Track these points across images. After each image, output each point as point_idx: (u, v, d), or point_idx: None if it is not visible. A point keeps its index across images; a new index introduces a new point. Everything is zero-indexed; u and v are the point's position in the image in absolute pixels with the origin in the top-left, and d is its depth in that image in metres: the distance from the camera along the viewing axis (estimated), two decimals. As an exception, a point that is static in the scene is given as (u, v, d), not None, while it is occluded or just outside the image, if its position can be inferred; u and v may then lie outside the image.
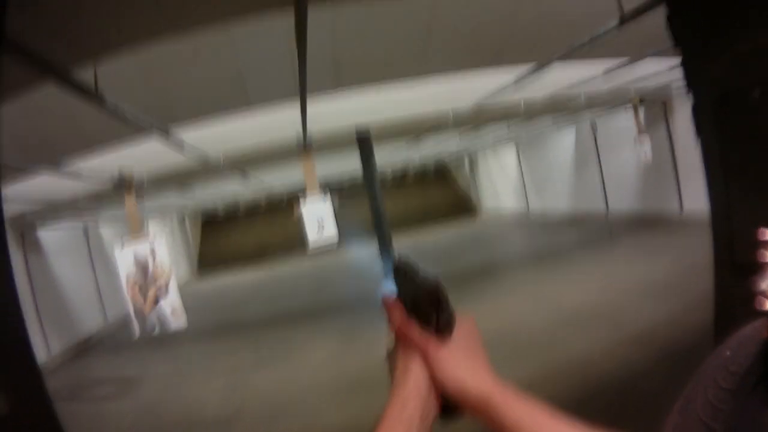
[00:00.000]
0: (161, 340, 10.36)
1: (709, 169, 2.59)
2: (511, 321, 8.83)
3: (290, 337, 11.00)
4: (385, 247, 10.32)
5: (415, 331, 0.95)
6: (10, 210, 8.42)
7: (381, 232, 10.35)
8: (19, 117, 3.90)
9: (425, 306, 0.95)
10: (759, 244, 0.75)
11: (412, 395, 0.89)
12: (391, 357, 1.00)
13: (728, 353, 0.78)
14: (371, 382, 7.12)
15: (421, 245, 22.16)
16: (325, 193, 7.60)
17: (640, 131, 11.55)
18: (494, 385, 0.89)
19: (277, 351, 10.07)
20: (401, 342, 0.97)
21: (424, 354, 0.93)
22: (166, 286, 6.08)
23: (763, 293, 0.71)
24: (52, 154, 5.68)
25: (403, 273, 1.07)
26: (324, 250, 12.16)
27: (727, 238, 2.53)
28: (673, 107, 13.78)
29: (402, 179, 30.02)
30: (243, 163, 9.13)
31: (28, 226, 11.68)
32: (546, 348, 7.32)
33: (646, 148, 11.69)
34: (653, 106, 14.04)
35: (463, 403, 0.90)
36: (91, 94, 3.32)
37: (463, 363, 0.92)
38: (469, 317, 1.01)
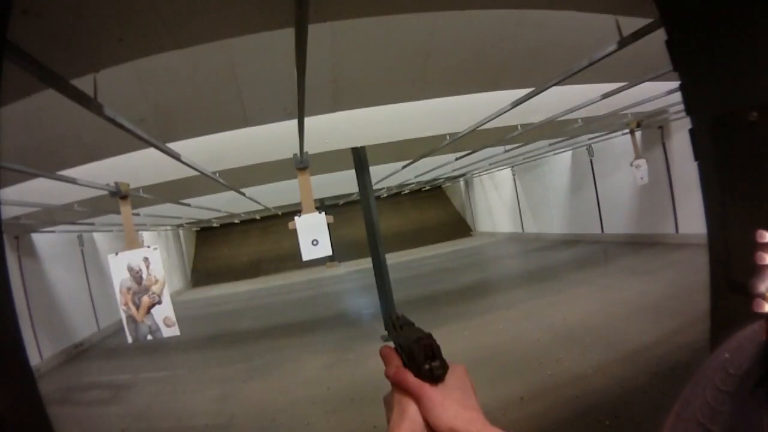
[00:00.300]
0: (154, 347, 10.37)
1: (706, 191, 2.61)
2: (504, 338, 8.84)
3: (283, 348, 10.98)
4: (379, 263, 10.34)
5: (411, 378, 0.99)
6: (5, 213, 8.41)
7: (375, 248, 10.37)
8: (17, 121, 3.92)
9: (419, 355, 1.00)
10: (758, 246, 0.76)
11: None
12: (388, 402, 1.05)
13: (727, 355, 0.79)
14: (363, 395, 7.14)
15: (416, 263, 22.16)
16: (320, 210, 7.59)
17: (637, 155, 11.57)
18: (485, 428, 0.91)
19: (270, 362, 10.06)
20: (397, 388, 1.02)
21: (419, 398, 0.97)
22: (160, 294, 6.08)
23: (762, 295, 0.73)
24: (49, 160, 5.69)
25: (398, 326, 1.14)
26: (318, 263, 12.19)
27: (724, 258, 2.55)
28: (670, 131, 13.85)
29: (397, 199, 30.05)
30: (239, 179, 9.15)
31: (23, 229, 11.66)
32: (539, 365, 7.33)
33: (642, 172, 11.70)
34: (650, 130, 14.10)
35: None
36: (90, 103, 3.34)
37: (455, 406, 0.95)
38: (460, 365, 1.05)
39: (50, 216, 10.17)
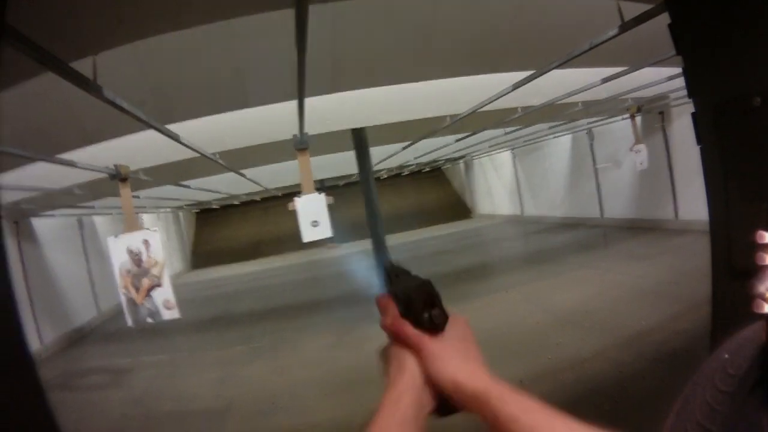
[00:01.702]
0: (154, 330, 10.36)
1: (708, 175, 2.60)
2: (504, 321, 8.84)
3: (283, 330, 11.00)
4: (379, 244, 10.34)
5: (409, 329, 0.96)
6: (4, 198, 8.40)
7: (375, 229, 10.37)
8: (16, 105, 3.90)
9: (418, 303, 0.96)
10: (758, 247, 0.75)
11: (407, 391, 0.91)
12: (385, 354, 1.01)
13: (726, 356, 0.78)
14: (363, 376, 7.14)
15: (415, 245, 22.14)
16: (320, 191, 7.59)
17: (637, 140, 11.54)
18: (488, 381, 0.89)
19: (270, 344, 10.08)
20: (395, 339, 0.99)
21: (418, 350, 0.94)
22: (160, 277, 6.07)
23: (762, 296, 0.72)
24: (48, 143, 5.68)
25: (395, 274, 1.10)
26: (318, 244, 12.16)
27: (726, 243, 2.54)
28: (670, 116, 13.81)
29: (397, 180, 30.01)
30: (239, 160, 9.13)
31: (22, 214, 11.64)
32: (538, 348, 7.33)
33: (642, 157, 11.68)
34: (651, 115, 14.07)
35: (458, 399, 0.90)
36: (90, 85, 3.32)
37: (457, 359, 0.93)
38: (461, 316, 1.02)
39: (50, 200, 10.14)
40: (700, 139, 2.60)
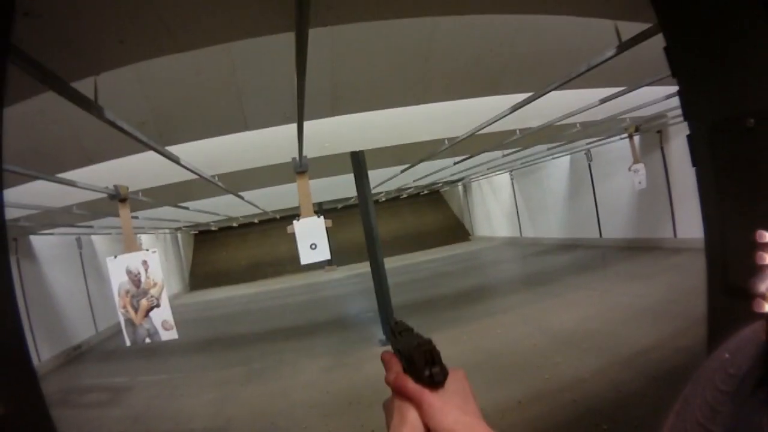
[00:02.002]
0: (152, 351, 10.36)
1: (704, 195, 2.62)
2: (502, 342, 8.84)
3: (281, 352, 10.98)
4: (377, 267, 10.34)
5: (410, 384, 0.99)
6: (6, 215, 8.41)
7: (373, 252, 10.38)
8: (18, 123, 3.92)
9: (419, 361, 1.00)
10: (758, 246, 0.77)
11: None
12: (388, 407, 1.05)
13: (727, 355, 0.79)
14: (361, 399, 7.14)
15: (414, 268, 22.14)
16: (318, 214, 7.61)
17: (635, 160, 11.57)
18: None
19: (268, 366, 10.06)
20: (397, 393, 1.02)
21: (419, 404, 0.97)
22: (158, 298, 6.07)
23: (761, 295, 0.73)
24: (49, 162, 5.70)
25: (399, 332, 1.14)
26: (317, 267, 12.17)
27: (721, 262, 2.55)
28: (668, 135, 13.86)
29: (396, 203, 30.05)
30: (238, 182, 9.15)
31: (21, 232, 11.65)
32: (537, 369, 7.33)
33: (641, 177, 11.70)
34: (649, 135, 14.11)
35: None
36: (91, 105, 3.35)
37: (455, 412, 0.95)
38: (460, 370, 1.04)
39: (49, 218, 10.16)
40: (695, 161, 2.62)
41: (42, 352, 11.71)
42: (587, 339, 8.14)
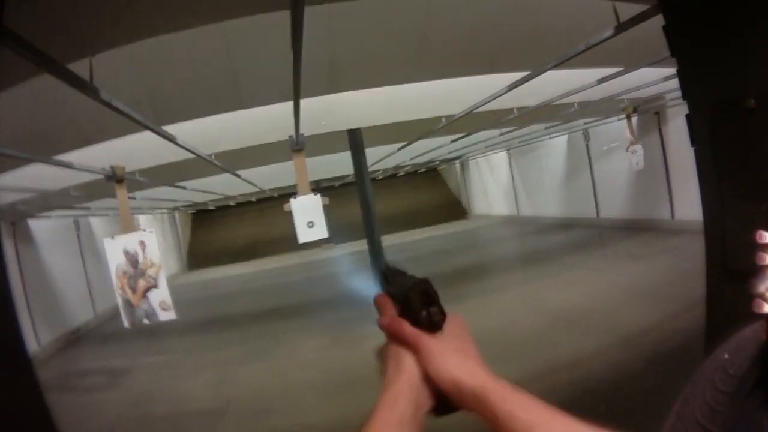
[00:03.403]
0: (150, 332, 10.37)
1: (703, 176, 2.61)
2: (500, 321, 8.87)
3: (279, 331, 11.00)
4: (374, 245, 10.34)
5: (407, 327, 0.95)
6: (1, 199, 8.40)
7: (371, 230, 10.38)
8: (13, 106, 3.90)
9: (415, 302, 0.96)
10: (758, 247, 0.76)
11: (404, 390, 0.90)
12: (382, 353, 1.01)
13: (726, 356, 0.79)
14: (359, 377, 7.15)
15: (411, 246, 22.14)
16: (316, 192, 7.59)
17: (633, 140, 11.55)
18: (488, 379, 0.89)
19: (266, 345, 10.09)
20: (392, 338, 0.98)
21: (416, 349, 0.94)
22: (156, 278, 6.06)
23: (761, 296, 0.72)
24: (45, 145, 5.67)
25: (392, 274, 1.11)
26: (314, 245, 12.13)
27: (720, 243, 2.55)
28: (666, 116, 13.83)
29: (393, 181, 30.00)
30: (235, 161, 9.13)
31: (19, 215, 11.63)
32: (535, 348, 7.34)
33: (638, 157, 11.69)
34: (647, 116, 14.08)
35: (456, 397, 0.90)
36: (86, 87, 3.33)
37: (455, 357, 0.93)
38: (458, 314, 1.02)
39: (46, 201, 10.14)
40: (694, 141, 2.61)
41: (41, 336, 11.70)
42: (585, 319, 8.16)
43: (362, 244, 12.48)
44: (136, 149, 6.76)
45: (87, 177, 7.22)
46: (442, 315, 0.97)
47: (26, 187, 7.36)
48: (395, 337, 0.98)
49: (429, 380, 0.92)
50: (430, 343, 0.94)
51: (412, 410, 0.89)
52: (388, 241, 10.80)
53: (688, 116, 2.65)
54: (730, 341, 0.80)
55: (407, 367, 0.93)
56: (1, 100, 3.36)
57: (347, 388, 7.09)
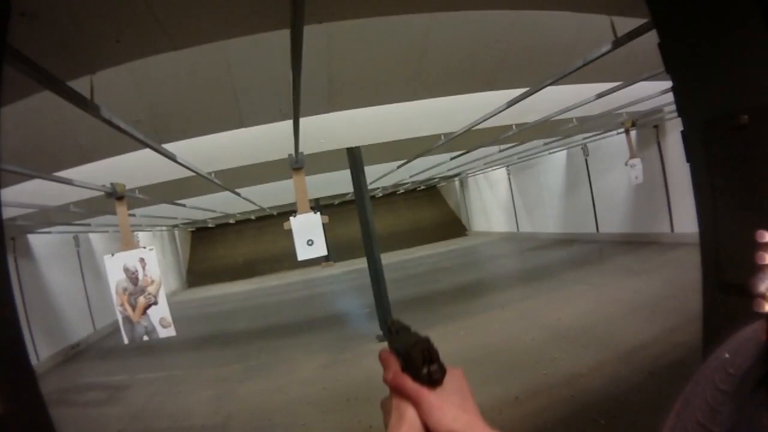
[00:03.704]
0: (150, 348, 10.36)
1: (698, 192, 2.63)
2: (500, 338, 8.86)
3: (279, 349, 10.99)
4: (374, 263, 10.35)
5: (409, 382, 0.99)
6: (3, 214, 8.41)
7: (371, 249, 10.38)
8: (13, 122, 3.93)
9: (417, 359, 1.00)
10: (758, 246, 0.77)
11: None
12: (386, 406, 1.05)
13: (727, 355, 0.80)
14: (359, 394, 7.15)
15: (411, 263, 22.14)
16: (315, 210, 7.59)
17: (632, 155, 11.57)
18: (484, 431, 0.93)
19: (266, 363, 10.07)
20: (395, 392, 1.02)
21: (417, 403, 0.97)
22: (156, 295, 6.07)
23: (762, 295, 0.74)
24: (45, 161, 5.70)
25: (396, 330, 1.15)
26: (314, 263, 12.18)
27: (715, 256, 2.56)
28: (665, 130, 13.88)
29: (392, 199, 30.03)
30: (235, 179, 9.15)
31: (19, 230, 11.64)
32: (535, 364, 7.34)
33: (637, 171, 11.70)
34: (646, 129, 14.12)
35: None
36: (87, 104, 3.35)
37: (453, 410, 0.96)
38: (458, 369, 1.05)
39: (46, 217, 10.16)
40: (689, 157, 2.63)
41: (40, 350, 11.70)
42: (585, 334, 8.16)
43: (362, 262, 12.48)
44: (137, 167, 6.80)
45: (87, 193, 7.25)
46: (442, 372, 1.00)
47: (26, 203, 7.38)
48: (398, 391, 1.02)
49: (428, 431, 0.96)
50: (430, 397, 0.97)
51: None
52: (387, 258, 10.82)
53: (683, 132, 2.68)
54: (731, 341, 0.81)
55: (409, 419, 0.97)
56: (3, 116, 3.38)
57: (347, 404, 7.11)
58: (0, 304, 2.37)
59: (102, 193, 6.34)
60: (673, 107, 9.49)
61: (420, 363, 1.00)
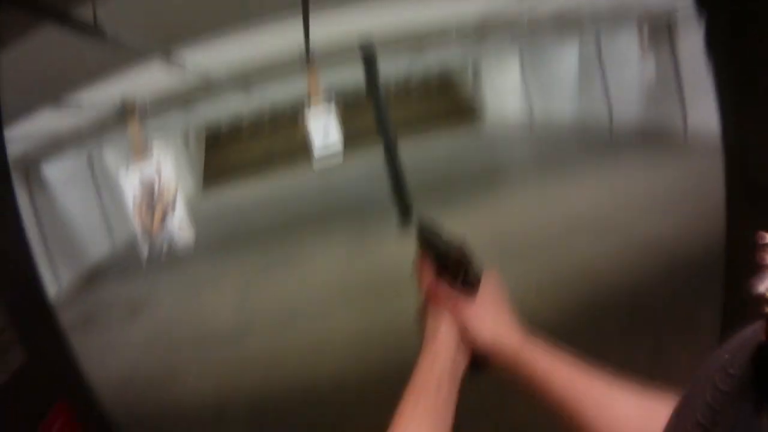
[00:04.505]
0: (170, 257, 10.50)
1: (720, 92, 2.57)
2: (517, 225, 8.99)
3: (299, 242, 11.19)
4: (390, 153, 10.30)
5: (445, 290, 1.00)
6: (12, 150, 8.41)
7: (386, 138, 10.33)
8: (17, 56, 3.86)
9: (453, 266, 1.01)
10: (758, 248, 0.75)
11: (443, 350, 0.95)
12: (422, 314, 1.06)
13: (727, 356, 0.79)
14: (379, 281, 7.25)
15: (426, 152, 22.01)
16: (329, 101, 7.57)
17: (644, 49, 11.39)
18: (523, 339, 0.94)
19: (287, 257, 10.27)
20: (431, 300, 1.03)
21: (454, 311, 0.98)
22: (173, 202, 6.11)
23: (762, 296, 0.72)
24: (53, 90, 5.62)
25: (428, 235, 1.13)
26: (330, 161, 12.14)
27: (739, 159, 2.52)
28: (678, 30, 13.51)
29: (406, 88, 29.68)
30: (245, 79, 9.05)
31: (31, 163, 11.54)
32: (554, 252, 7.40)
33: (649, 66, 11.56)
34: (658, 29, 13.79)
35: (493, 357, 0.96)
36: (91, 30, 3.29)
37: (491, 318, 0.97)
38: (493, 274, 1.06)
39: (58, 144, 10.13)
40: (710, 53, 2.55)
41: (62, 276, 11.77)
42: (603, 223, 8.16)
43: (379, 154, 12.37)
44: (146, 80, 6.71)
45: (98, 114, 7.20)
46: (478, 279, 1.01)
47: (37, 135, 7.34)
48: (433, 299, 1.03)
49: (466, 340, 0.97)
50: (467, 305, 0.98)
51: (450, 368, 0.94)
52: (402, 146, 10.67)
53: (705, 30, 2.60)
54: (731, 341, 0.80)
55: (445, 327, 0.98)
56: (11, 53, 3.32)
57: (368, 291, 7.35)
58: (14, 252, 2.38)
59: (113, 110, 6.32)
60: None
61: (456, 270, 1.00)
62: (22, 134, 7.04)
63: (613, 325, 5.25)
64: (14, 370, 2.28)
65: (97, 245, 14.60)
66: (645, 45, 11.43)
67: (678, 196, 8.70)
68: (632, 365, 0.88)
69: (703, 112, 6.45)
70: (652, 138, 14.58)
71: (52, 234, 11.84)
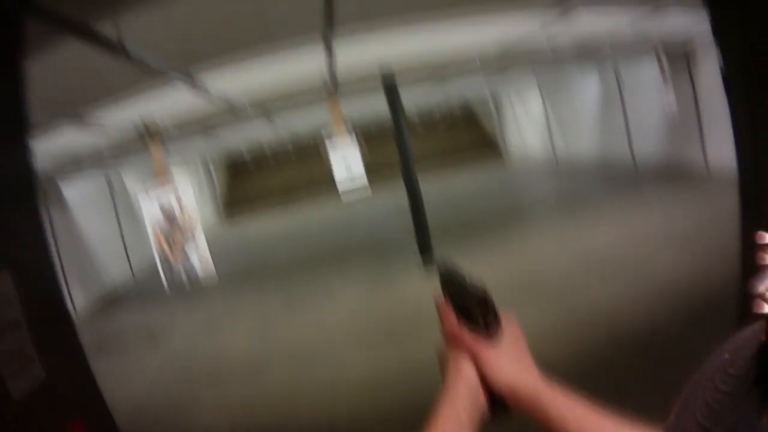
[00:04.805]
0: (189, 286, 10.52)
1: (737, 125, 2.57)
2: (536, 265, 8.94)
3: (320, 277, 11.14)
4: (413, 199, 10.32)
5: (466, 334, 1.01)
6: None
7: (410, 184, 10.35)
8: (41, 73, 3.92)
9: (474, 310, 1.02)
10: (758, 248, 0.75)
11: (463, 393, 0.97)
12: (443, 358, 1.07)
13: (727, 356, 0.79)
14: (398, 321, 7.23)
15: (449, 188, 22.01)
16: (351, 134, 7.58)
17: (664, 80, 11.39)
18: (541, 383, 0.95)
19: (307, 292, 10.22)
20: (452, 344, 1.04)
21: (475, 355, 1.00)
22: (193, 231, 6.12)
23: (762, 296, 0.72)
24: (74, 106, 5.69)
25: (450, 278, 1.14)
26: (358, 195, 12.14)
27: (755, 191, 2.52)
28: (696, 60, 13.50)
29: (429, 123, 29.79)
30: (267, 105, 9.11)
31: (50, 181, 11.59)
32: (571, 294, 7.36)
33: (670, 98, 11.55)
34: (676, 58, 13.79)
35: (513, 401, 0.96)
36: (115, 48, 3.34)
37: (511, 363, 0.98)
38: (513, 319, 1.07)
39: (79, 163, 10.21)
40: (728, 90, 2.56)
41: (77, 299, 11.73)
42: (620, 264, 8.14)
43: (400, 186, 12.33)
44: (168, 103, 6.78)
45: (120, 135, 7.26)
46: (498, 324, 1.02)
47: (57, 153, 7.41)
48: (455, 343, 1.03)
49: (486, 383, 0.98)
50: (486, 349, 0.99)
51: (470, 410, 0.95)
52: (424, 182, 10.69)
53: (722, 68, 2.61)
54: (732, 341, 0.80)
55: (466, 371, 0.99)
56: (34, 67, 3.37)
57: (387, 334, 7.20)
58: (40, 274, 2.40)
59: (134, 133, 6.36)
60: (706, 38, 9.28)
61: (477, 314, 1.01)
62: (41, 150, 7.12)
63: (629, 367, 5.22)
64: (34, 387, 2.29)
65: (114, 269, 14.58)
66: (666, 76, 11.42)
67: (697, 233, 8.67)
68: (648, 408, 0.88)
69: (725, 145, 6.46)
70: (674, 173, 14.52)
71: (68, 255, 11.78)
